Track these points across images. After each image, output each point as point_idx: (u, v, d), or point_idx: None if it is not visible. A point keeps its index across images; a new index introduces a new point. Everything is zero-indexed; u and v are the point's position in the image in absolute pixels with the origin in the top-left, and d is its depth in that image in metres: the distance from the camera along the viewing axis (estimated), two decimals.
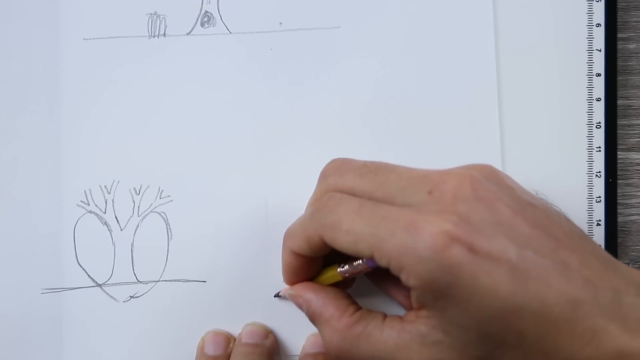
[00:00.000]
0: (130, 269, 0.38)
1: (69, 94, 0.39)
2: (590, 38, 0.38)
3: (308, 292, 0.33)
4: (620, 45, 0.39)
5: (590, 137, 0.38)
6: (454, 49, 0.38)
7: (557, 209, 0.29)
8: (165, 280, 0.38)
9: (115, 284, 0.38)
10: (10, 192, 0.39)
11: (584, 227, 0.38)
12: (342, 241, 0.29)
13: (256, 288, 0.38)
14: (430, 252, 0.26)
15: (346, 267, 0.33)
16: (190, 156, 0.39)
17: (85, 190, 0.39)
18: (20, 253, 0.38)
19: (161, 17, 0.39)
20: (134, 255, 0.38)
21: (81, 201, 0.39)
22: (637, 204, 0.39)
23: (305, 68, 0.39)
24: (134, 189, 0.39)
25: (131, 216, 0.39)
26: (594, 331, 0.26)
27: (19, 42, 0.39)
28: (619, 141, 0.38)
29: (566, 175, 0.38)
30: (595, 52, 0.38)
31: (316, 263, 0.33)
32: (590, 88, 0.38)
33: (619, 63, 0.39)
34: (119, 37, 0.39)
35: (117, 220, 0.38)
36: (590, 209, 0.38)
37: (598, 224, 0.38)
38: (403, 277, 0.28)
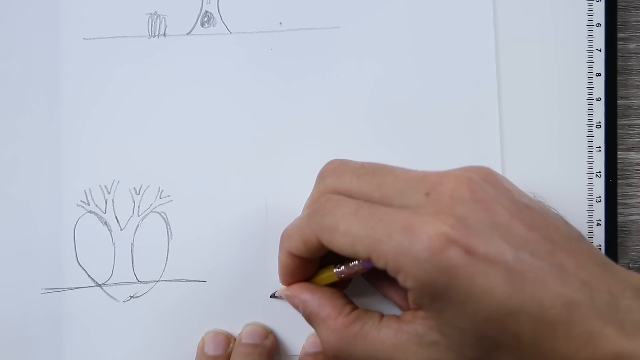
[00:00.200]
0: (130, 269, 0.39)
1: (69, 94, 0.39)
2: (590, 38, 0.38)
3: (304, 293, 0.33)
4: (620, 45, 0.39)
5: (590, 137, 0.38)
6: (454, 49, 0.39)
7: (555, 211, 0.29)
8: (165, 280, 0.38)
9: (116, 284, 0.38)
10: (10, 192, 0.39)
11: (584, 227, 0.38)
12: (339, 243, 0.29)
13: (256, 288, 0.38)
14: (427, 254, 0.27)
15: (342, 267, 0.33)
16: (191, 156, 0.39)
17: (85, 190, 0.39)
18: (20, 253, 0.39)
19: (161, 17, 0.39)
20: (134, 255, 0.39)
21: (81, 201, 0.39)
22: (637, 204, 0.39)
23: (305, 68, 0.39)
24: (134, 188, 0.39)
25: (131, 216, 0.39)
26: (591, 334, 0.26)
27: (19, 42, 0.39)
28: (619, 141, 0.39)
29: (566, 175, 0.38)
30: (595, 52, 0.38)
31: (312, 264, 0.34)
32: (590, 88, 0.38)
33: (619, 63, 0.39)
34: (119, 37, 0.39)
35: (117, 220, 0.39)
36: (590, 209, 0.38)
37: (598, 224, 0.38)
38: (400, 279, 0.28)
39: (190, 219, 0.39)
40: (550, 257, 0.27)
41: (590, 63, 0.38)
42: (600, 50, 0.38)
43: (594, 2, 0.38)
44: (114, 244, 0.39)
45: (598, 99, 0.38)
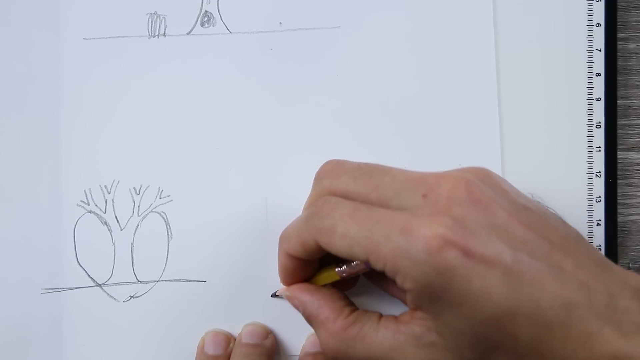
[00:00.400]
0: (130, 269, 0.39)
1: (69, 94, 0.39)
2: (590, 38, 0.39)
3: (304, 294, 0.33)
4: (620, 45, 0.39)
5: (590, 137, 0.39)
6: (453, 49, 0.39)
7: (553, 212, 0.30)
8: (165, 280, 0.39)
9: (115, 284, 0.39)
10: (10, 191, 0.39)
11: (584, 228, 0.38)
12: (337, 245, 0.30)
13: (256, 288, 0.39)
14: (425, 255, 0.27)
15: (344, 267, 0.33)
16: (190, 156, 0.39)
17: (85, 190, 0.39)
18: (20, 253, 0.39)
19: (161, 17, 0.39)
20: (134, 255, 0.39)
21: (81, 201, 0.39)
22: (637, 204, 0.40)
23: (305, 68, 0.39)
24: (134, 188, 0.39)
25: (131, 216, 0.39)
26: (589, 335, 0.26)
27: (19, 42, 0.39)
28: (619, 141, 0.39)
29: (566, 175, 0.38)
30: (595, 52, 0.39)
31: (312, 264, 0.34)
32: (590, 88, 0.39)
33: (619, 63, 0.39)
34: (119, 37, 0.39)
35: (117, 220, 0.39)
36: (590, 209, 0.38)
37: (598, 224, 0.38)
38: (398, 280, 0.28)
39: (190, 218, 0.39)
40: (548, 257, 0.27)
41: (590, 63, 0.39)
42: (600, 50, 0.38)
43: (594, 2, 0.39)
44: (114, 243, 0.39)
45: (598, 99, 0.39)
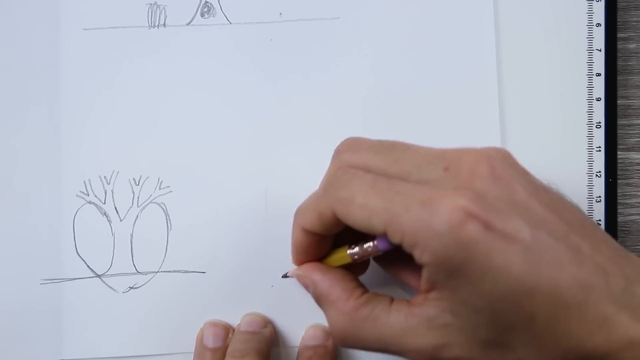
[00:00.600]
0: (129, 260, 0.39)
1: (69, 84, 0.40)
2: (590, 38, 0.39)
3: (315, 273, 0.33)
4: (620, 45, 0.40)
5: (590, 137, 0.39)
6: (454, 48, 0.39)
7: (570, 199, 0.30)
8: (164, 271, 0.39)
9: (115, 275, 0.39)
10: (10, 182, 0.40)
11: None
12: (355, 216, 0.29)
13: (255, 279, 0.39)
14: (446, 227, 0.27)
15: (356, 248, 0.33)
16: (190, 147, 0.40)
17: (84, 181, 0.40)
18: (19, 243, 0.39)
19: (161, 7, 0.39)
20: (133, 246, 0.40)
21: (81, 191, 0.40)
22: (637, 204, 0.40)
23: (305, 58, 0.40)
24: (134, 179, 0.40)
25: (131, 207, 0.40)
26: (605, 318, 0.26)
27: (19, 32, 0.40)
28: (619, 141, 0.39)
29: (566, 174, 0.39)
30: (595, 52, 0.39)
31: (326, 242, 0.34)
32: (590, 88, 0.39)
33: (619, 63, 0.39)
34: (119, 27, 0.39)
35: (117, 210, 0.40)
36: (590, 209, 0.39)
37: (598, 224, 0.39)
38: (416, 254, 0.28)
39: (190, 210, 0.39)
40: (566, 239, 0.27)
41: (590, 63, 0.39)
42: (600, 50, 0.39)
43: (594, 2, 0.39)
44: (113, 234, 0.40)
45: (598, 99, 0.39)
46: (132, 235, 0.40)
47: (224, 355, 0.38)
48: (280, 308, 0.40)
